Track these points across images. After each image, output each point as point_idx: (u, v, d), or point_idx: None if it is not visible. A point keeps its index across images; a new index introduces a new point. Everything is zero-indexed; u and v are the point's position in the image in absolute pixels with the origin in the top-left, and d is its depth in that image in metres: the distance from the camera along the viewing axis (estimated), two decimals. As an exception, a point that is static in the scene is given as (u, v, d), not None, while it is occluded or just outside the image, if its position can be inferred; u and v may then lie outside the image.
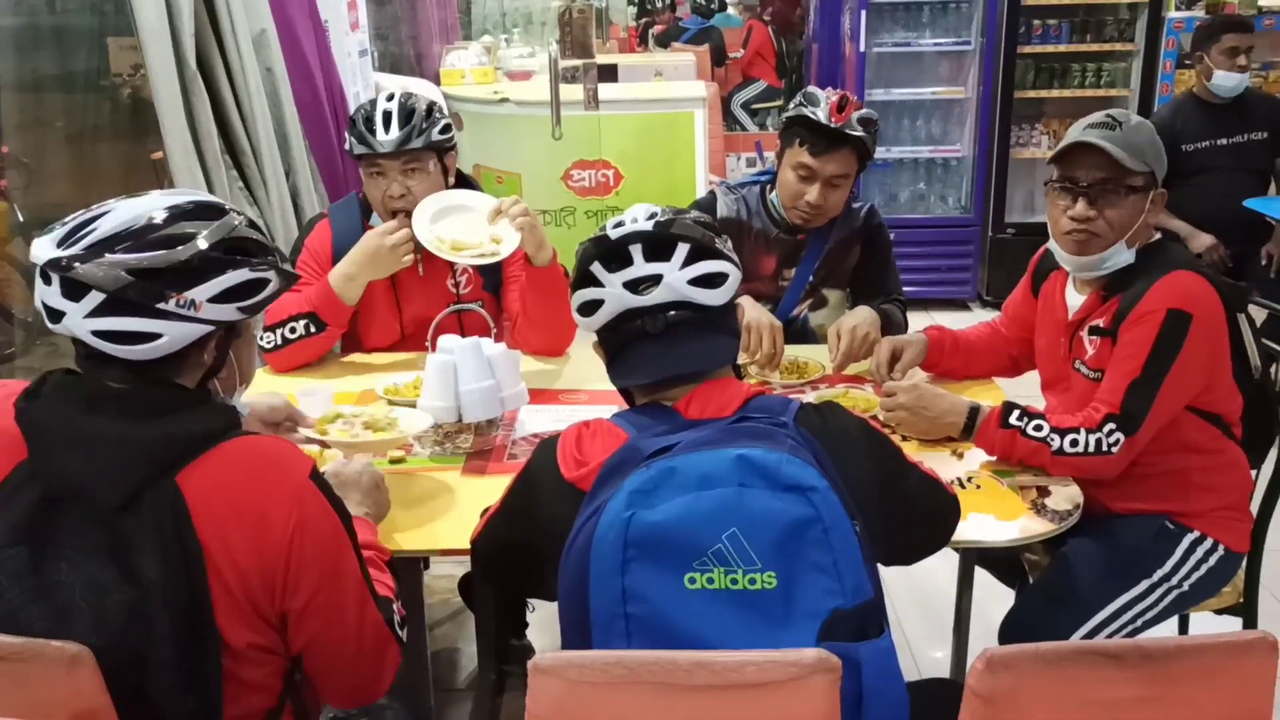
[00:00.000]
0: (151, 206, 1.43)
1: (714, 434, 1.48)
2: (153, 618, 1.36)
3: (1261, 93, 4.67)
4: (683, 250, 1.57)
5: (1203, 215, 4.40)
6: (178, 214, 1.44)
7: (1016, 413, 2.14)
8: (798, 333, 2.95)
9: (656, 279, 1.56)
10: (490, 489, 1.85)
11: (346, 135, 2.72)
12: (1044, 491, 2.05)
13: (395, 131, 2.62)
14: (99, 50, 4.54)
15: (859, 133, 2.72)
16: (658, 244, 1.57)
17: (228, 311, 1.46)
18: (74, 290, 1.38)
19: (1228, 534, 2.25)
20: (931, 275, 6.15)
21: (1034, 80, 5.98)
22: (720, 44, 10.51)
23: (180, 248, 1.41)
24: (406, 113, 2.64)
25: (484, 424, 2.31)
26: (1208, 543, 2.23)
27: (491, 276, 2.84)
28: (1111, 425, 2.08)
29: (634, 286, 1.56)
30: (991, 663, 1.32)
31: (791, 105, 2.82)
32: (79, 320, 1.39)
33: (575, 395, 2.52)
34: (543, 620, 3.09)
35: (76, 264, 1.37)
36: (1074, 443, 2.09)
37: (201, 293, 1.42)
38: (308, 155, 3.49)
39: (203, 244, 1.42)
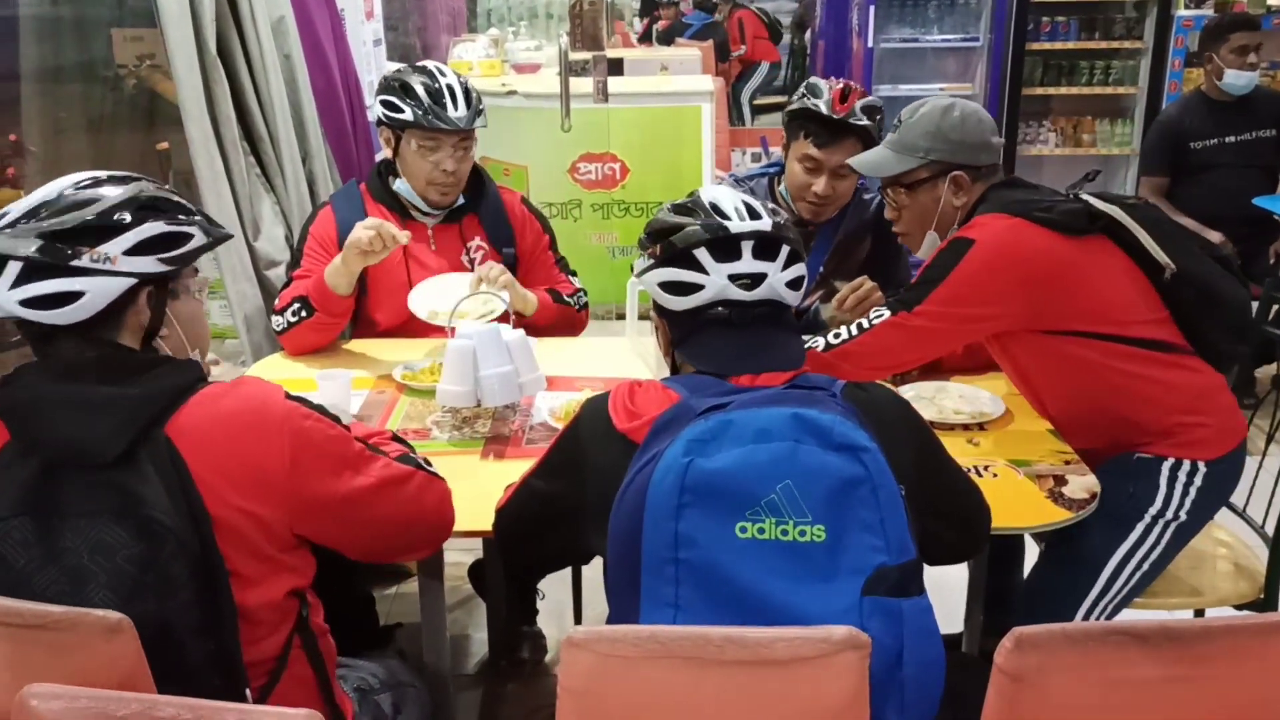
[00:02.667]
0: (66, 181, 1.51)
1: (767, 396, 1.52)
2: (168, 564, 1.40)
3: (1270, 91, 4.68)
4: (785, 252, 1.63)
5: (1211, 213, 4.42)
6: (89, 183, 1.51)
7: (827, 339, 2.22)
8: (808, 325, 2.96)
9: (761, 277, 1.60)
10: (509, 472, 1.86)
11: (397, 103, 2.68)
12: (1061, 480, 2.06)
13: (464, 109, 2.66)
14: (104, 41, 4.54)
15: (863, 122, 2.73)
16: (768, 243, 1.62)
17: (148, 263, 1.50)
18: None
19: (1196, 448, 2.17)
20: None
21: (1042, 77, 5.99)
22: (724, 39, 10.52)
23: (88, 207, 1.47)
24: (466, 90, 2.69)
25: (502, 409, 2.33)
26: (1186, 465, 2.17)
27: (508, 262, 2.85)
28: (877, 309, 2.18)
29: (737, 279, 1.60)
30: (1020, 642, 1.33)
31: (795, 97, 2.84)
32: (4, 295, 1.44)
33: (591, 382, 2.53)
34: (552, 608, 3.10)
35: None
36: (837, 335, 2.17)
37: (114, 247, 1.47)
38: (324, 142, 3.48)
39: (108, 203, 1.48)
